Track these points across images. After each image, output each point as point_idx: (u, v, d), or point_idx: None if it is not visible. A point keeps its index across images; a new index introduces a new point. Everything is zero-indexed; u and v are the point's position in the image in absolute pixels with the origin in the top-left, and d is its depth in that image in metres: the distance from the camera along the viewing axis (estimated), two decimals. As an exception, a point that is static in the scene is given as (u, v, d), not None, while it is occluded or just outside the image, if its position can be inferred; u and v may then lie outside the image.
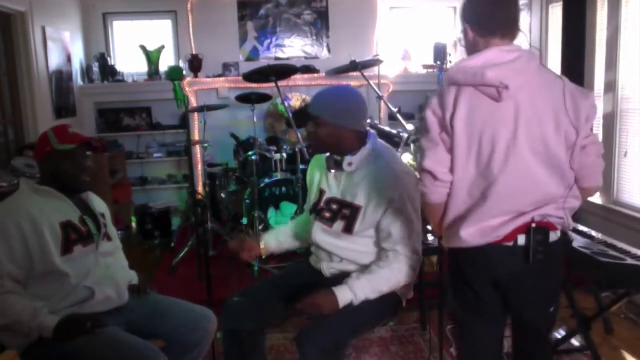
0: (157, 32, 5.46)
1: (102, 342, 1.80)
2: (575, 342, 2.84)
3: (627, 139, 3.53)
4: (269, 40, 5.50)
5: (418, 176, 1.68)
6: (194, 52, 5.19)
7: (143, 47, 5.18)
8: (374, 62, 4.37)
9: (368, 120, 3.56)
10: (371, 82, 4.15)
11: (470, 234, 1.60)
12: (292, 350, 2.86)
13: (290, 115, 3.85)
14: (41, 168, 2.02)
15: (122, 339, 1.85)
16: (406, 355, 2.86)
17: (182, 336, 2.02)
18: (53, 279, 1.87)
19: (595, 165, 1.65)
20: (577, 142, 1.57)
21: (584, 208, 3.51)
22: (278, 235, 2.27)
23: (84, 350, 1.79)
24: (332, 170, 2.08)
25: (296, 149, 4.05)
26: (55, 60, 4.43)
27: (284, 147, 4.39)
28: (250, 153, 4.15)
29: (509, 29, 1.60)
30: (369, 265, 1.96)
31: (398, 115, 3.91)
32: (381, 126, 4.00)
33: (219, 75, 5.27)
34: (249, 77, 3.92)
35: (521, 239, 1.59)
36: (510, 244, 1.60)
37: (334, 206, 2.04)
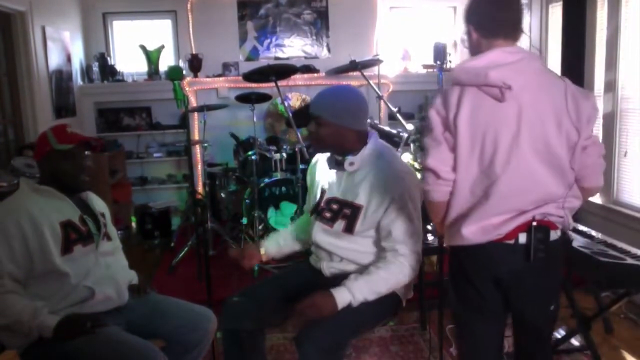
0: (157, 32, 5.46)
1: (102, 342, 1.80)
2: (575, 342, 2.85)
3: (627, 139, 3.53)
4: (269, 40, 5.50)
5: (419, 176, 1.68)
6: (194, 52, 5.19)
7: (143, 47, 5.17)
8: (374, 62, 4.37)
9: (368, 120, 3.55)
10: (371, 82, 4.15)
11: (472, 232, 1.62)
12: (292, 350, 2.86)
13: (290, 115, 3.85)
14: (41, 168, 2.02)
15: (122, 339, 1.85)
16: (406, 355, 2.86)
17: (182, 336, 2.02)
18: (53, 278, 1.87)
19: (596, 166, 1.66)
20: (579, 143, 1.59)
21: (584, 208, 3.51)
22: (278, 240, 2.27)
23: (84, 350, 1.79)
24: (334, 170, 2.08)
25: (296, 149, 4.05)
26: (55, 60, 4.43)
27: (284, 147, 4.39)
28: (250, 153, 4.15)
29: (512, 30, 1.62)
30: (369, 266, 1.96)
31: (398, 115, 3.91)
32: (381, 126, 4.00)
33: (219, 75, 5.27)
34: (249, 77, 3.92)
35: (522, 238, 1.61)
36: (512, 242, 1.62)
37: (335, 206, 2.04)
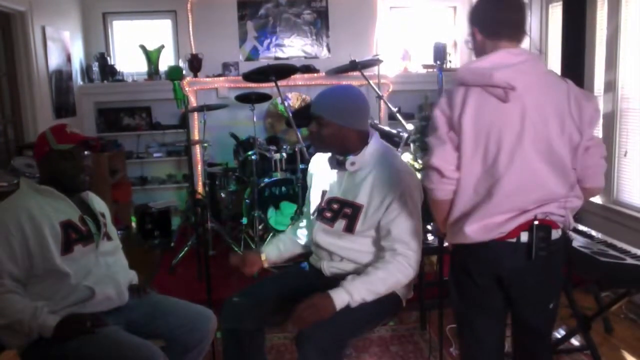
0: (157, 32, 5.46)
1: (102, 342, 1.81)
2: (575, 341, 2.85)
3: (627, 138, 3.53)
4: (269, 40, 5.50)
5: (419, 176, 1.69)
6: (194, 52, 5.19)
7: (143, 47, 5.17)
8: (374, 62, 4.37)
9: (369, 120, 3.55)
10: (371, 82, 4.15)
11: (474, 230, 1.63)
12: (292, 350, 2.86)
13: (290, 115, 3.85)
14: (40, 168, 2.02)
15: (122, 339, 1.85)
16: (406, 355, 2.86)
17: (182, 336, 2.02)
18: (53, 278, 1.87)
19: (598, 167, 1.68)
20: (581, 144, 1.62)
21: (584, 208, 3.50)
22: (278, 245, 2.26)
23: (84, 350, 1.79)
24: (335, 170, 2.08)
25: (296, 149, 4.05)
26: (55, 60, 4.43)
27: (284, 147, 4.39)
28: (250, 153, 4.15)
29: (516, 31, 1.65)
30: (369, 266, 1.96)
31: (398, 115, 3.91)
32: (381, 126, 4.00)
33: (219, 75, 5.27)
34: (249, 77, 3.92)
35: (524, 236, 1.63)
36: (514, 240, 1.64)
37: (335, 206, 2.04)
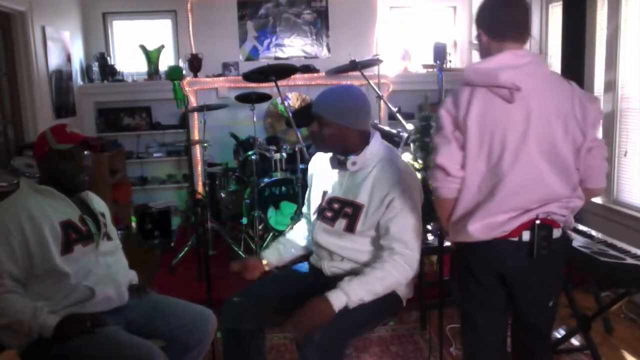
0: (157, 32, 5.46)
1: (102, 342, 1.81)
2: (575, 341, 2.85)
3: (627, 138, 3.53)
4: (268, 40, 5.50)
5: (419, 176, 1.70)
6: (194, 52, 5.19)
7: (143, 47, 5.18)
8: (374, 62, 4.37)
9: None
10: (371, 81, 4.15)
11: (478, 229, 1.66)
12: (292, 350, 2.86)
13: (290, 115, 3.85)
14: (40, 168, 2.02)
15: (122, 339, 1.85)
16: (406, 355, 2.86)
17: (182, 336, 2.02)
18: (53, 278, 1.87)
19: (600, 168, 1.71)
20: (584, 145, 1.65)
21: (584, 208, 3.49)
22: (278, 249, 2.26)
23: (84, 350, 1.79)
24: (336, 170, 2.08)
25: (296, 149, 4.05)
26: (55, 60, 4.43)
27: (284, 147, 4.39)
28: (250, 153, 4.15)
29: (521, 33, 1.68)
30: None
31: (398, 115, 3.91)
32: (381, 126, 4.00)
33: (219, 75, 5.27)
34: (249, 76, 3.92)
35: (526, 235, 1.66)
36: (516, 239, 1.66)
37: (336, 205, 2.04)
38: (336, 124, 1.97)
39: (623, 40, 3.51)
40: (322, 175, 2.16)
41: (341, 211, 2.01)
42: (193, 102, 5.16)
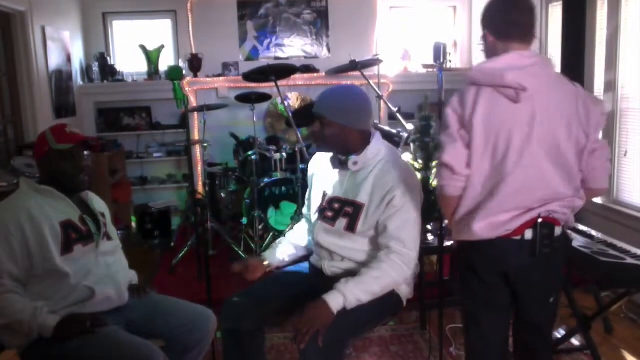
0: (157, 32, 5.46)
1: (102, 342, 1.80)
2: (575, 341, 2.85)
3: (627, 138, 3.53)
4: (268, 40, 5.50)
5: (419, 176, 1.71)
6: (194, 52, 5.19)
7: (143, 47, 5.17)
8: (374, 62, 4.36)
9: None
10: (371, 81, 4.15)
11: (481, 228, 1.68)
12: (292, 350, 2.86)
13: (290, 115, 3.85)
14: (40, 168, 2.02)
15: (122, 339, 1.85)
16: (406, 355, 2.86)
17: (182, 336, 2.02)
18: (53, 278, 1.87)
19: (603, 169, 1.74)
20: (587, 146, 1.68)
21: (584, 208, 3.50)
22: (279, 249, 2.26)
23: (84, 350, 1.79)
24: (336, 170, 2.08)
25: (296, 149, 4.05)
26: (55, 60, 4.43)
27: (284, 147, 4.39)
28: (250, 153, 4.15)
29: (526, 34, 1.70)
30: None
31: (398, 115, 3.91)
32: (381, 126, 4.00)
33: (219, 75, 5.27)
34: (249, 76, 3.91)
35: (528, 234, 1.68)
36: (519, 238, 1.68)
37: (337, 205, 2.04)
38: (338, 124, 1.97)
39: (623, 40, 3.51)
40: (323, 175, 2.16)
41: (341, 211, 2.01)
42: (193, 102, 5.16)
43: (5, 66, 3.88)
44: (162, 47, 5.23)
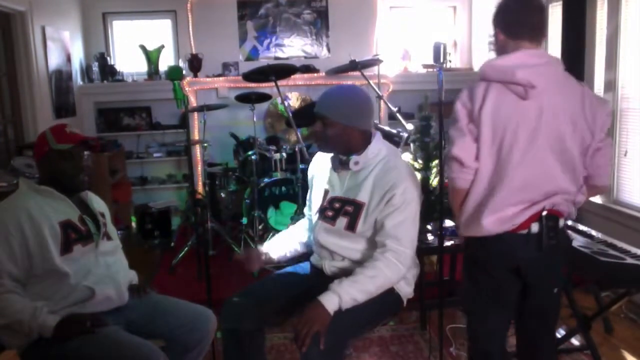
0: (157, 32, 5.46)
1: (101, 342, 1.80)
2: (575, 341, 2.85)
3: (627, 138, 3.53)
4: (268, 40, 5.50)
5: (419, 176, 1.73)
6: (193, 52, 5.19)
7: (143, 47, 5.18)
8: (374, 62, 4.36)
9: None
10: (371, 81, 4.15)
11: (491, 222, 1.72)
12: (292, 350, 2.86)
13: (290, 115, 3.85)
14: (40, 168, 2.02)
15: (122, 339, 1.85)
16: (406, 355, 2.86)
17: (182, 336, 2.02)
18: (53, 278, 1.87)
19: (607, 167, 1.79)
20: (592, 145, 1.73)
21: (584, 208, 3.51)
22: (280, 242, 2.27)
23: (84, 350, 1.79)
24: (338, 170, 2.08)
25: (296, 149, 4.05)
26: (55, 60, 4.43)
27: (284, 147, 4.39)
28: (250, 153, 4.15)
29: (537, 33, 1.75)
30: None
31: (398, 115, 3.91)
32: (381, 126, 3.99)
33: (219, 75, 5.27)
34: (249, 76, 3.91)
35: (535, 227, 1.73)
36: (525, 231, 1.72)
37: (337, 204, 2.04)
38: (340, 124, 1.97)
39: (623, 40, 3.51)
40: (323, 175, 2.16)
41: (342, 210, 2.01)
42: (193, 102, 5.16)
43: (5, 66, 3.88)
44: (162, 47, 5.23)
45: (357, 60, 4.04)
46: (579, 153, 1.71)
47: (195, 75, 5.18)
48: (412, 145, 3.59)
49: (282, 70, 3.99)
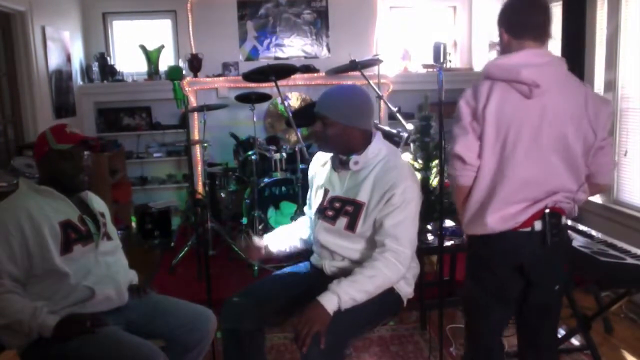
0: (157, 32, 5.46)
1: (101, 341, 1.80)
2: (575, 341, 2.85)
3: (627, 138, 3.53)
4: (268, 40, 5.50)
5: (419, 176, 1.73)
6: (193, 52, 5.19)
7: (143, 47, 5.17)
8: (374, 62, 4.36)
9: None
10: (371, 81, 4.15)
11: (495, 220, 1.73)
12: (292, 350, 2.86)
13: (290, 115, 3.85)
14: (40, 168, 2.02)
15: (122, 339, 1.85)
16: (406, 355, 2.86)
17: (182, 336, 2.02)
18: (53, 278, 1.87)
19: (610, 165, 1.81)
20: (595, 144, 1.74)
21: (584, 208, 3.51)
22: (281, 235, 2.27)
23: (84, 350, 1.79)
24: (338, 170, 2.08)
25: (296, 149, 4.05)
26: (55, 60, 4.43)
27: (284, 147, 4.39)
28: (250, 153, 4.15)
29: (541, 33, 1.76)
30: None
31: (398, 115, 3.91)
32: (381, 126, 3.99)
33: (219, 75, 5.27)
34: (249, 76, 3.92)
35: (538, 225, 1.73)
36: (528, 229, 1.73)
37: (337, 204, 2.04)
38: (340, 124, 1.97)
39: (623, 40, 3.51)
40: (323, 175, 2.16)
41: (342, 210, 2.01)
42: (193, 102, 5.16)
43: (5, 66, 3.88)
44: (162, 47, 5.23)
45: (357, 60, 4.04)
46: (581, 152, 1.73)
47: (195, 75, 5.18)
48: (412, 145, 3.59)
49: (282, 70, 3.99)
